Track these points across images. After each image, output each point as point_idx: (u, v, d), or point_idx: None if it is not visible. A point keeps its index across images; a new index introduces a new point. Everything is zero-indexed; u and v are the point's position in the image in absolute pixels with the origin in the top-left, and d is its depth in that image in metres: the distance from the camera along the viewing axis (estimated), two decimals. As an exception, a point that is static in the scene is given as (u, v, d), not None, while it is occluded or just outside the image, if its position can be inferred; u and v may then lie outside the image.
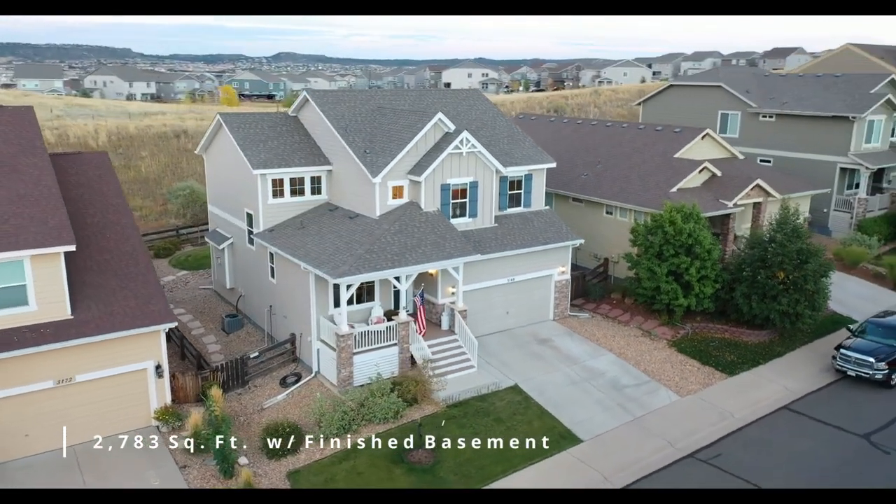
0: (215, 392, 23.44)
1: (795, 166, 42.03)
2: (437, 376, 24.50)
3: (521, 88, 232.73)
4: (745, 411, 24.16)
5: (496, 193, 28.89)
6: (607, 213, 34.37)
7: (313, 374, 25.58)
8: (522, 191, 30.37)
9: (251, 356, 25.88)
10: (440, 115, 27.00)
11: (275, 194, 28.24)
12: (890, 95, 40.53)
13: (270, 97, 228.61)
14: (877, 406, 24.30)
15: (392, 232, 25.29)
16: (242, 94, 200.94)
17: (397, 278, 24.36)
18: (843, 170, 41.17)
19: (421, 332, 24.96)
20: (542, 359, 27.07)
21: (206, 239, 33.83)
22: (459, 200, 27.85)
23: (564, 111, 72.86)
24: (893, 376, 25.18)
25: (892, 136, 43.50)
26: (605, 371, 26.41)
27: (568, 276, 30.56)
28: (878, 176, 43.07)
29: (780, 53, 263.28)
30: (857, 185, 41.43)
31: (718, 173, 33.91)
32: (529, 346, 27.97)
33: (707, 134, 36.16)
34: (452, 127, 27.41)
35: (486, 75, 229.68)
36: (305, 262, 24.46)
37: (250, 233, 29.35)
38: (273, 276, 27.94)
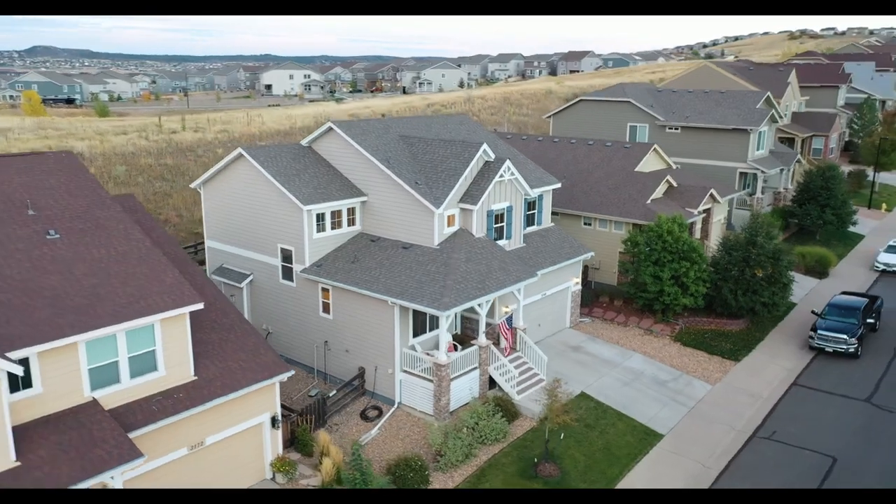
0: (323, 437, 23.37)
1: (701, 172, 48.41)
2: (519, 392, 26.17)
3: (345, 90, 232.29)
4: (767, 391, 28.62)
5: (523, 215, 30.94)
6: (585, 224, 37.70)
7: (396, 406, 26.02)
8: (536, 210, 32.71)
9: (329, 395, 25.72)
10: (485, 145, 28.50)
11: (318, 229, 28.01)
12: (773, 111, 48.18)
13: (70, 101, 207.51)
14: (859, 373, 29.93)
15: (463, 260, 26.43)
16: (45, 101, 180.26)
17: (479, 304, 25.64)
18: (741, 174, 48.25)
19: (508, 353, 26.44)
20: (586, 365, 29.70)
21: (212, 276, 32.13)
22: (499, 224, 29.54)
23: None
24: (860, 349, 31.09)
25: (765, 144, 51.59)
26: (642, 370, 29.65)
27: (580, 287, 33.45)
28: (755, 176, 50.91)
29: (576, 56, 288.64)
30: (750, 186, 48.80)
31: (675, 184, 38.64)
32: (568, 354, 30.46)
33: (654, 149, 40.84)
34: (493, 156, 29.01)
35: (309, 77, 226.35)
36: (393, 297, 24.87)
37: (286, 269, 28.74)
38: (328, 311, 27.70)
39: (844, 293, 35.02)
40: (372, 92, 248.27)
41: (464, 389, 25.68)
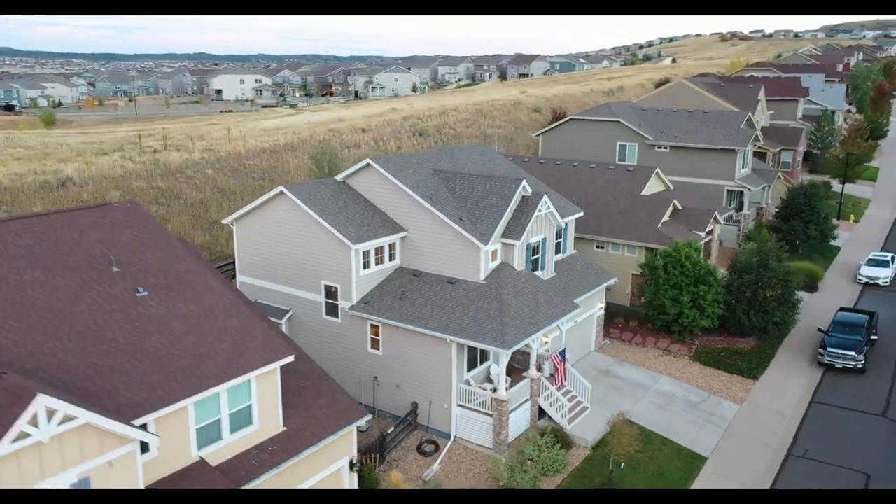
0: (395, 476, 23.93)
1: (690, 189, 50.43)
2: (569, 421, 27.22)
3: (297, 95, 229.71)
4: (790, 409, 30.42)
5: (553, 245, 32.00)
6: (598, 247, 39.06)
7: (452, 440, 26.71)
8: (562, 238, 33.82)
9: (388, 431, 26.21)
10: (524, 182, 29.42)
11: (363, 266, 28.45)
12: (758, 131, 50.61)
13: (9, 108, 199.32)
14: (868, 389, 32.03)
15: (512, 296, 27.29)
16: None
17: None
18: (728, 191, 50.52)
19: (560, 384, 27.44)
20: (620, 390, 30.96)
21: (246, 312, 32.05)
22: (534, 256, 30.51)
23: (430, 133, 76.39)
24: (866, 364, 33.28)
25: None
26: (673, 392, 31.10)
27: (603, 311, 34.73)
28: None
29: (525, 60, 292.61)
30: (734, 203, 51.15)
31: (680, 207, 40.38)
32: (601, 379, 31.66)
33: (656, 173, 42.52)
34: (530, 191, 29.97)
35: (260, 81, 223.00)
36: (452, 336, 25.56)
37: (331, 305, 29.07)
38: (377, 347, 28.17)
39: (843, 310, 37.27)
40: (324, 96, 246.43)
41: (518, 421, 26.57)
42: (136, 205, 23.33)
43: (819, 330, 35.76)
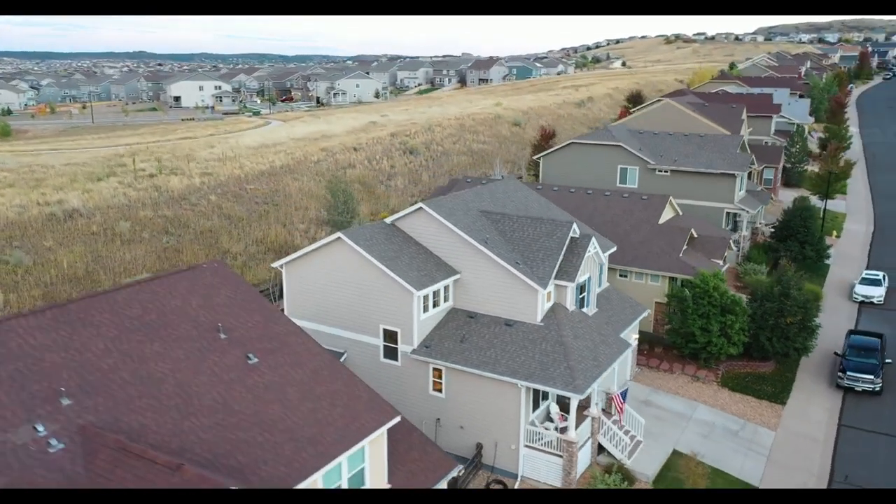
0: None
1: (690, 211, 52.37)
2: (628, 456, 28.40)
3: (258, 101, 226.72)
4: (821, 434, 32.25)
5: (596, 282, 33.15)
6: (621, 275, 40.42)
7: (519, 480, 27.57)
8: (599, 273, 35.00)
9: (459, 473, 26.90)
10: (574, 225, 30.49)
11: (423, 310, 29.09)
12: (753, 156, 52.85)
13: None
14: (887, 411, 34.12)
15: (571, 337, 28.32)
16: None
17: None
18: (727, 214, 52.63)
19: (621, 422, 28.55)
20: (664, 420, 32.31)
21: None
22: (581, 294, 31.61)
23: (420, 151, 77.01)
24: (882, 386, 35.42)
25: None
26: (712, 421, 32.60)
27: (637, 341, 36.06)
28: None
29: (484, 65, 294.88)
30: (731, 223, 53.33)
31: (696, 235, 42.08)
32: (643, 410, 32.92)
33: (669, 201, 44.16)
34: (579, 232, 31.05)
35: (220, 88, 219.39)
36: (522, 380, 26.43)
37: (389, 349, 29.61)
38: (439, 390, 28.83)
39: (854, 332, 39.44)
40: (283, 101, 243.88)
41: (581, 459, 27.60)
42: (222, 264, 23.54)
43: (835, 354, 37.83)
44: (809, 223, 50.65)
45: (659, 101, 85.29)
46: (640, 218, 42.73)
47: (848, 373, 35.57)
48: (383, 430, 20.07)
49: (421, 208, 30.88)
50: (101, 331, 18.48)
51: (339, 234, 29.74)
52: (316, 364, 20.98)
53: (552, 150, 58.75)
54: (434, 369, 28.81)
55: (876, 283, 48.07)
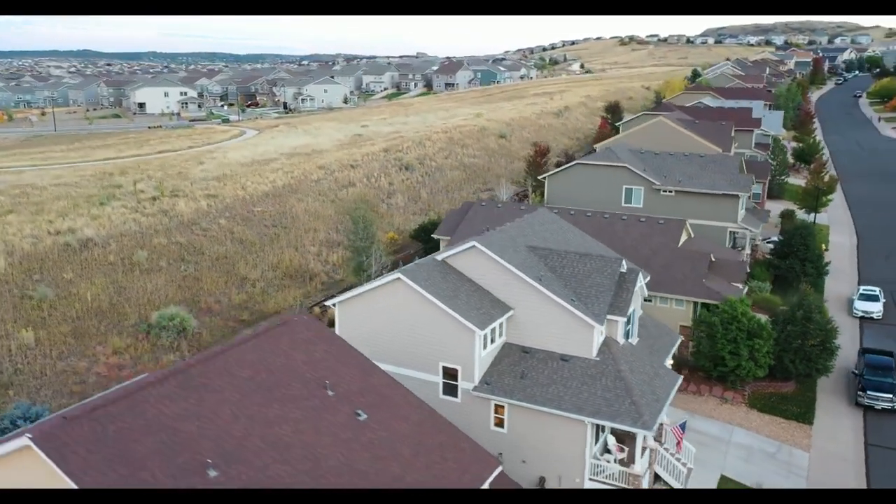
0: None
1: (694, 230, 54.14)
2: (682, 485, 29.61)
3: (225, 107, 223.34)
4: (851, 454, 34.00)
5: (638, 312, 34.32)
6: (646, 300, 41.60)
7: (583, 511, 28.50)
8: (640, 304, 36.19)
9: (527, 509, 27.72)
10: (624, 261, 31.58)
11: (483, 347, 29.83)
12: (752, 177, 54.91)
13: None
14: (907, 428, 36.21)
15: (628, 371, 29.37)
16: None
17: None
18: (730, 233, 54.56)
19: (679, 452, 29.71)
20: (706, 445, 33.65)
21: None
22: (627, 326, 32.72)
23: (415, 167, 77.51)
24: (900, 405, 37.52)
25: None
26: (750, 445, 34.09)
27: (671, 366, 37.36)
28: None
29: (450, 69, 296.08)
30: (733, 242, 55.34)
31: (714, 259, 43.68)
32: (686, 435, 34.21)
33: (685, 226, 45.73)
34: (626, 267, 32.16)
35: (185, 94, 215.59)
36: (589, 417, 27.38)
37: (449, 385, 30.25)
38: (501, 425, 29.58)
39: (867, 351, 41.45)
40: (248, 107, 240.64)
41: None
42: (312, 318, 24.03)
43: (853, 373, 39.78)
44: (809, 241, 52.85)
45: (645, 115, 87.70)
46: (659, 242, 44.14)
47: (868, 392, 37.49)
48: (491, 478, 20.76)
49: (474, 246, 31.57)
50: (224, 395, 18.77)
51: (398, 274, 30.23)
52: (418, 416, 21.58)
53: (558, 170, 60.00)
54: (496, 405, 29.54)
55: (873, 298, 50.47)
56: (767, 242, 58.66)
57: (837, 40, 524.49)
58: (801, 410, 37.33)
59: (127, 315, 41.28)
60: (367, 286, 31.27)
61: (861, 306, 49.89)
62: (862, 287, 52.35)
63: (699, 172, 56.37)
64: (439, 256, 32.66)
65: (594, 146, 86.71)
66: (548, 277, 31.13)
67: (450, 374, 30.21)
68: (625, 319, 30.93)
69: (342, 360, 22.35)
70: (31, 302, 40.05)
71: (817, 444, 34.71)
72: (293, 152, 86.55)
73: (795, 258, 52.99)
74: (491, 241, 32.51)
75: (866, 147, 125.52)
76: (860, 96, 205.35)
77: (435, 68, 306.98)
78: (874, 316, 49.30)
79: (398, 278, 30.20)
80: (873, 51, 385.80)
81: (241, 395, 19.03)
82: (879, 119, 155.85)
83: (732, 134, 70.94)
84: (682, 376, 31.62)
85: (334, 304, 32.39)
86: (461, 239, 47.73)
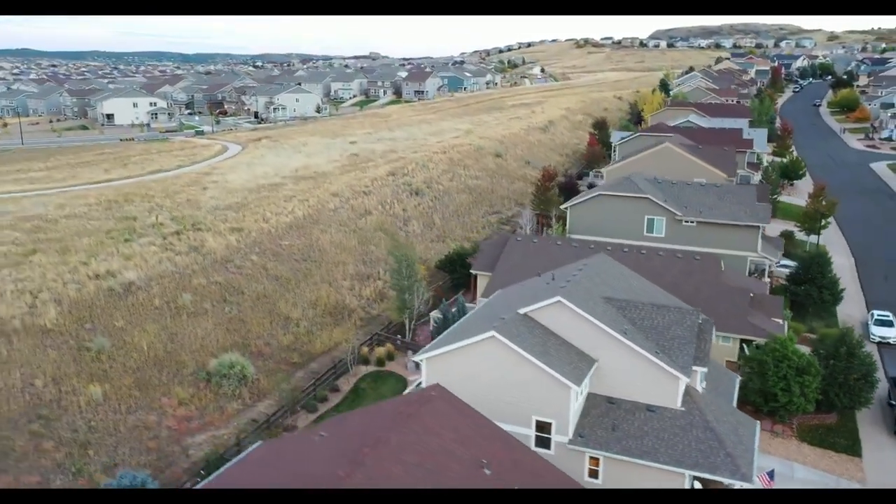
0: None
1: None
2: (766, 527, 31.16)
3: (196, 117, 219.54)
4: (904, 485, 36.13)
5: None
6: (692, 337, 43.35)
7: (678, 557, 29.80)
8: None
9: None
10: (698, 310, 33.04)
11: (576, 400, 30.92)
12: (770, 207, 57.24)
13: None
14: (947, 456, 38.55)
15: (714, 421, 30.82)
16: None
17: (739, 461, 30.17)
18: (750, 262, 56.80)
19: (764, 499, 31.23)
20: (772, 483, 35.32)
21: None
22: (700, 373, 34.21)
23: (424, 191, 78.18)
24: (930, 426, 39.93)
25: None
26: (813, 480, 35.92)
27: (728, 405, 39.02)
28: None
29: (419, 77, 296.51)
30: (756, 270, 57.62)
31: (752, 294, 45.64)
32: (750, 473, 35.90)
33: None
34: (702, 318, 33.64)
35: (155, 104, 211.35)
36: (689, 469, 28.73)
37: (542, 438, 31.24)
38: (595, 476, 30.70)
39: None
40: (217, 114, 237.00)
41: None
42: (443, 389, 24.78)
43: (889, 404, 42.08)
44: (825, 268, 55.38)
45: (641, 135, 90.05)
46: (699, 279, 45.90)
47: (905, 418, 39.84)
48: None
49: (559, 301, 32.65)
50: (405, 482, 19.41)
51: (492, 332, 31.08)
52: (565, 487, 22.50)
53: (580, 200, 61.48)
54: (590, 458, 30.66)
55: (888, 324, 53.19)
56: (780, 267, 61.04)
57: (783, 43, 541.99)
58: (848, 443, 39.40)
59: (184, 363, 41.16)
60: (459, 343, 32.03)
61: (878, 332, 52.52)
62: (876, 312, 55.06)
63: (717, 203, 58.48)
64: (522, 311, 33.62)
65: (599, 170, 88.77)
66: (631, 330, 32.39)
67: (543, 427, 31.20)
68: (705, 370, 32.38)
69: (483, 433, 23.19)
70: (89, 353, 39.60)
71: (871, 477, 36.73)
72: (296, 175, 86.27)
73: (812, 285, 55.45)
74: (571, 294, 33.60)
75: (838, 160, 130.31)
76: (819, 105, 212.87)
77: (403, 75, 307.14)
78: (891, 341, 51.98)
79: (492, 336, 31.08)
80: (823, 56, 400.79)
81: (414, 481, 19.70)
82: (844, 130, 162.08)
83: (736, 160, 73.52)
84: (759, 422, 33.17)
85: (421, 360, 33.08)
86: (503, 276, 49.03)
